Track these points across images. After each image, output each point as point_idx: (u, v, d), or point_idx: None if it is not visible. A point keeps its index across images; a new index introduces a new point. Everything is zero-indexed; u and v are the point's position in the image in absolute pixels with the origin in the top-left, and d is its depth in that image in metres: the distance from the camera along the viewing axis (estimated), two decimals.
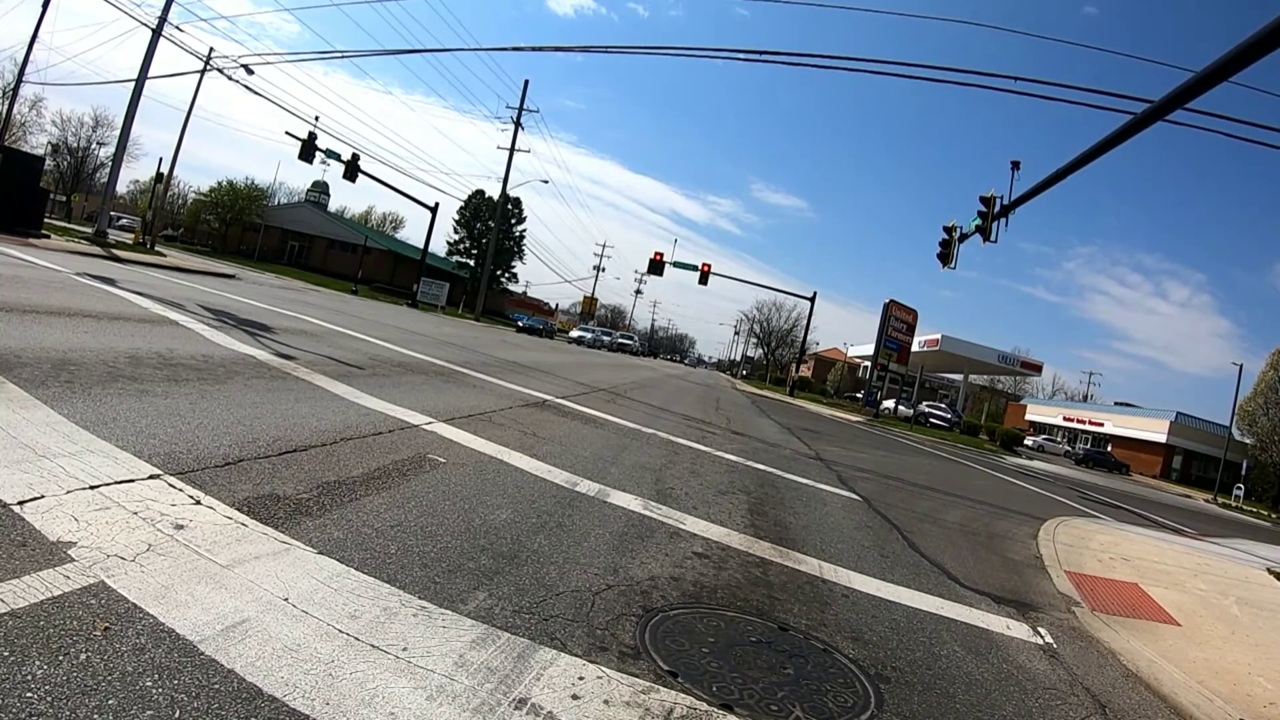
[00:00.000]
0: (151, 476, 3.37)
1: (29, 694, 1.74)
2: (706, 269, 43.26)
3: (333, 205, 75.29)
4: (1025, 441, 53.95)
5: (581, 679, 2.48)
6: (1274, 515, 35.96)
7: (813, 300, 50.11)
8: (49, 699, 1.74)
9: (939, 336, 51.23)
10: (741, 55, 35.90)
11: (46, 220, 24.88)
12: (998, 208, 14.43)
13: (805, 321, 62.06)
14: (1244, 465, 43.77)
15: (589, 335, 56.74)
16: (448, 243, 66.37)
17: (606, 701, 2.38)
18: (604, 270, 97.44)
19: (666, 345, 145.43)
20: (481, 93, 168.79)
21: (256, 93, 44.82)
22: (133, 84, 24.92)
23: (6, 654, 1.86)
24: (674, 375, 35.54)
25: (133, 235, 38.42)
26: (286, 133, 28.02)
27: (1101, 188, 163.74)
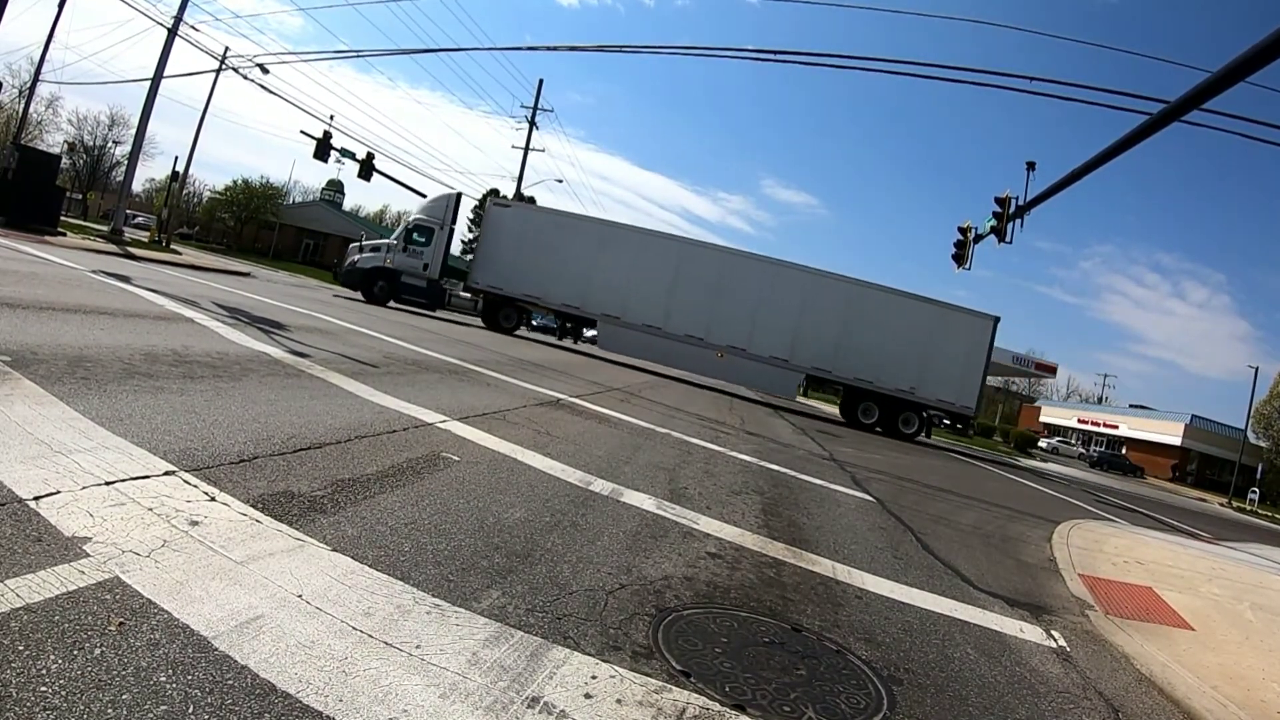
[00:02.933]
0: (167, 473, 3.39)
1: (43, 688, 1.74)
2: None
3: (347, 204, 75.71)
4: (1039, 444, 53.58)
5: (594, 678, 2.47)
6: None
7: None
8: (64, 693, 1.75)
9: None
10: (750, 55, 35.85)
11: (63, 218, 25.18)
12: (1013, 209, 14.30)
13: None
14: (1259, 469, 43.32)
15: None
16: (462, 241, 66.51)
17: (619, 701, 2.37)
18: None
19: None
20: (490, 86, 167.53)
21: (272, 91, 44.98)
22: (148, 83, 25.17)
23: (22, 648, 1.87)
24: (687, 374, 35.39)
25: (148, 233, 38.83)
26: (301, 131, 28.17)
27: (1122, 184, 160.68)
